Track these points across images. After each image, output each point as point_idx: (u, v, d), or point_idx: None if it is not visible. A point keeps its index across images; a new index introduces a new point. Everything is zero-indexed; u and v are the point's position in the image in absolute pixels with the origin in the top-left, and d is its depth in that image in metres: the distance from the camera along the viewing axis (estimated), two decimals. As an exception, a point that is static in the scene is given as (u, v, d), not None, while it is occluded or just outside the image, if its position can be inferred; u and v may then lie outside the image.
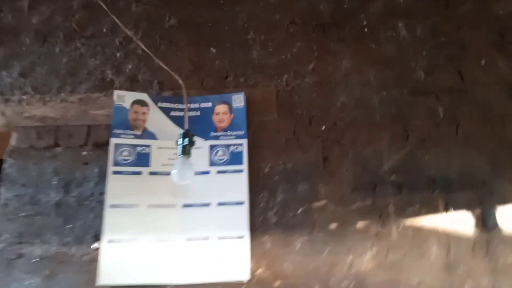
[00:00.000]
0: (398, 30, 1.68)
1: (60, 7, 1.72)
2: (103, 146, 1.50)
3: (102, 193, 1.44)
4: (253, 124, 1.55)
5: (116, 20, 1.56)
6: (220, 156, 1.50)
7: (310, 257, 1.41)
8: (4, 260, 1.39)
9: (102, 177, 1.46)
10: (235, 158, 1.49)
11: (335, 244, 1.41)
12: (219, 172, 1.49)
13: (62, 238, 1.42)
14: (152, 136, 1.51)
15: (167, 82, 1.58)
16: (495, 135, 1.53)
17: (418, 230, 1.42)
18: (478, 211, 1.44)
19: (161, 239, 1.40)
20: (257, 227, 1.43)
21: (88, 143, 1.53)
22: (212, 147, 1.51)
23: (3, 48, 1.65)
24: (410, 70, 1.62)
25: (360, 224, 1.43)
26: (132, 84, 1.60)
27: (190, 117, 1.53)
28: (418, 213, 1.44)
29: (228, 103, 1.56)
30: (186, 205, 1.44)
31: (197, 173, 1.45)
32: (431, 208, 1.45)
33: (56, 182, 1.48)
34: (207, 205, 1.44)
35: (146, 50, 1.55)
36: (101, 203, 1.43)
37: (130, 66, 1.63)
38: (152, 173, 1.47)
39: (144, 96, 1.55)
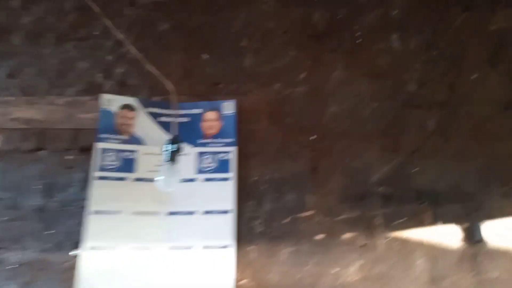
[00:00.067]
0: (391, 43, 1.68)
1: (53, 8, 1.71)
2: (89, 150, 1.47)
3: (85, 198, 1.41)
4: (243, 132, 1.53)
5: (108, 23, 1.55)
6: (208, 163, 1.48)
7: (296, 268, 1.39)
8: (-19, 266, 1.37)
9: (86, 182, 1.43)
10: (222, 166, 1.48)
11: (321, 255, 1.40)
12: (206, 179, 1.47)
13: (42, 244, 1.39)
14: (139, 141, 1.49)
15: (158, 87, 1.56)
16: (484, 150, 1.52)
17: (405, 243, 1.42)
18: (465, 225, 1.44)
19: (144, 247, 1.38)
20: (242, 236, 1.41)
21: (73, 147, 1.50)
22: (200, 154, 1.49)
23: (-9, 48, 1.64)
24: (402, 82, 1.62)
25: (347, 236, 1.42)
26: (121, 88, 1.58)
27: (179, 123, 1.51)
28: (406, 226, 1.43)
29: (218, 110, 1.54)
30: (170, 213, 1.42)
31: (184, 180, 1.43)
32: (418, 221, 1.44)
33: (38, 186, 1.45)
34: (192, 213, 1.42)
35: (137, 54, 1.54)
36: (84, 209, 1.40)
37: (120, 70, 1.61)
38: (137, 179, 1.45)
39: (132, 101, 1.53)
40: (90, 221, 1.38)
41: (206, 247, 1.38)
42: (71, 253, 1.37)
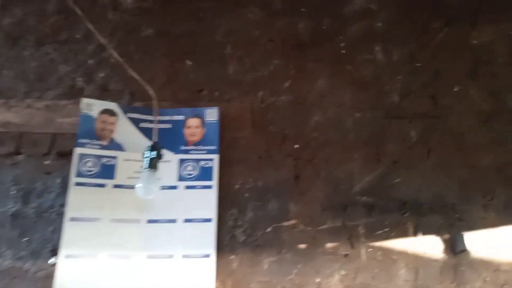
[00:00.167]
0: (374, 54, 1.70)
1: (34, 10, 1.68)
2: (67, 155, 1.44)
3: (63, 205, 1.37)
4: (226, 139, 1.52)
5: (90, 26, 1.53)
6: (190, 171, 1.46)
7: (278, 278, 1.37)
8: (-48, 274, 1.31)
9: (64, 188, 1.39)
10: (205, 174, 1.45)
11: (304, 265, 1.39)
12: (187, 187, 1.44)
13: (17, 252, 1.34)
14: (119, 147, 1.46)
15: (139, 93, 1.54)
16: (466, 161, 1.54)
17: (387, 253, 1.41)
18: (447, 235, 1.44)
19: (123, 256, 1.34)
20: (224, 245, 1.39)
21: (52, 152, 1.47)
22: (181, 161, 1.47)
23: (-31, 49, 1.60)
24: (385, 93, 1.63)
25: (330, 245, 1.41)
26: (102, 93, 1.55)
27: (161, 130, 1.49)
28: (388, 236, 1.43)
29: (201, 117, 1.53)
30: (150, 221, 1.39)
31: (165, 188, 1.41)
32: (400, 231, 1.44)
33: (14, 192, 1.41)
34: (173, 221, 1.39)
35: (118, 58, 1.52)
36: (61, 215, 1.36)
37: (101, 75, 1.59)
38: (116, 186, 1.41)
39: (113, 106, 1.50)
40: (67, 228, 1.34)
41: (186, 256, 1.35)
42: (50, 261, 1.33)
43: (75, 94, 1.54)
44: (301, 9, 1.76)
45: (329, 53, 1.69)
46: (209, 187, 1.44)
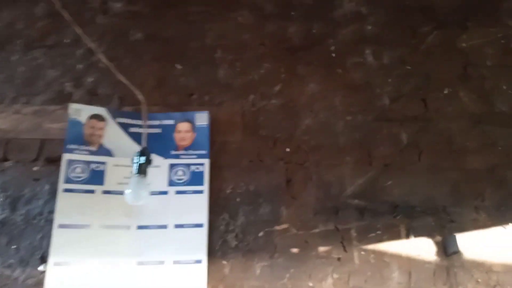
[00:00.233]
0: (365, 57, 1.70)
1: (22, 14, 1.66)
2: (56, 161, 1.42)
3: (52, 211, 1.36)
4: (216, 144, 1.51)
5: (78, 31, 1.51)
6: (180, 175, 1.45)
7: (270, 282, 1.36)
8: None
9: (53, 195, 1.38)
10: (195, 178, 1.44)
11: (296, 269, 1.38)
12: (178, 192, 1.43)
13: (6, 260, 1.32)
14: (108, 152, 1.45)
15: (128, 97, 1.53)
16: (456, 163, 1.55)
17: (380, 256, 1.41)
18: (439, 237, 1.44)
19: (113, 263, 1.32)
20: (215, 251, 1.38)
21: (40, 158, 1.45)
22: (172, 166, 1.46)
23: (-45, 54, 1.58)
24: (376, 96, 1.64)
25: (322, 249, 1.41)
26: (91, 98, 1.54)
27: (151, 134, 1.47)
28: (380, 239, 1.43)
29: (191, 121, 1.52)
30: (141, 227, 1.37)
31: (155, 193, 1.40)
32: (392, 233, 1.44)
33: (2, 199, 1.39)
34: (163, 227, 1.38)
35: (107, 62, 1.50)
36: (50, 222, 1.34)
37: (90, 79, 1.57)
38: (105, 192, 1.40)
39: (101, 111, 1.49)
40: (56, 235, 1.32)
41: (177, 262, 1.34)
42: (40, 268, 1.31)
43: (63, 99, 1.53)
44: (291, 13, 1.76)
45: (320, 57, 1.69)
46: (200, 192, 1.43)
